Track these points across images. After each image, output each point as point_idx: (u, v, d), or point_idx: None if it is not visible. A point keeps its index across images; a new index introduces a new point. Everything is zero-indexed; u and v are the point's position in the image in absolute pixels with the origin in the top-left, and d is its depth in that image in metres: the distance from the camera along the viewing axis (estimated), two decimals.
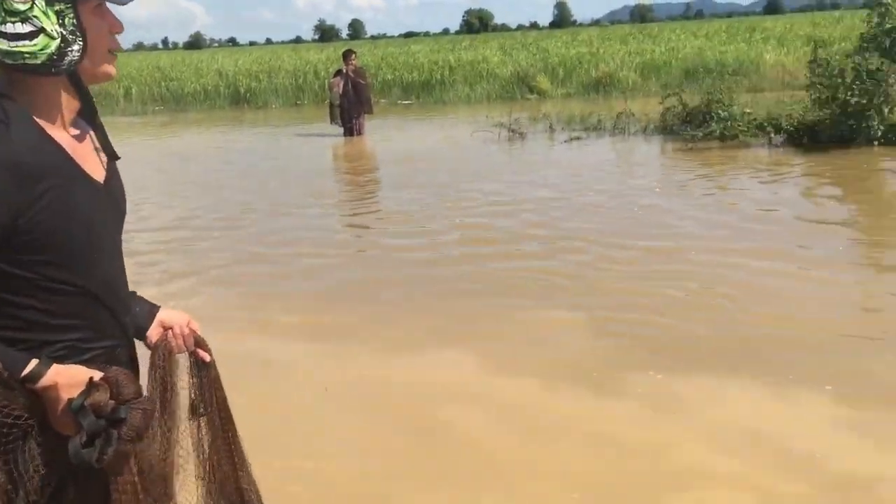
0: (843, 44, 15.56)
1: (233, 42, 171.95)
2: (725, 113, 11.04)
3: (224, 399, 1.80)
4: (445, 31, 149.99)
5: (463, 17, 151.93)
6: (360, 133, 14.03)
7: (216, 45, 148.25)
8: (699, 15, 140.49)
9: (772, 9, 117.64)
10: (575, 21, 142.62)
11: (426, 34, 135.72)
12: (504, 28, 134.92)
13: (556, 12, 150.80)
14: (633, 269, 5.73)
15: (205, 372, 1.77)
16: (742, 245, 6.14)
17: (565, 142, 12.22)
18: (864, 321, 4.53)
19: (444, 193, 8.82)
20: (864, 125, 9.81)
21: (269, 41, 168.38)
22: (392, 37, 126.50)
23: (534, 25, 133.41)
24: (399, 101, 21.23)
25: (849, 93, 9.86)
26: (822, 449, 3.12)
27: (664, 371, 3.92)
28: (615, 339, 4.45)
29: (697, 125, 11.30)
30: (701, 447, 3.22)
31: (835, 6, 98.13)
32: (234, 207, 8.73)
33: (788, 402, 3.55)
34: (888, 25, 10.08)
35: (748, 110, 11.22)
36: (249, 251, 6.88)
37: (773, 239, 6.29)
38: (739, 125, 10.85)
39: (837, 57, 10.69)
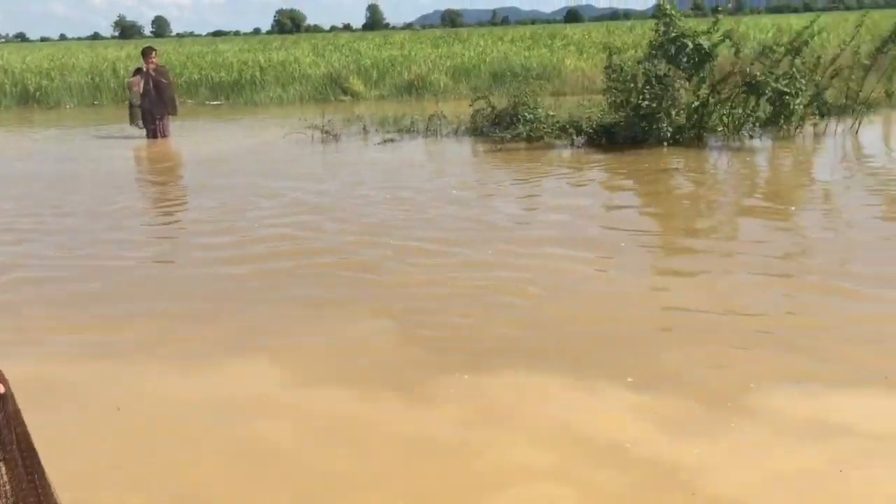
0: (635, 51, 16.63)
1: (21, 38, 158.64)
2: (531, 115, 11.48)
3: (27, 435, 1.57)
4: (256, 31, 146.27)
5: (274, 17, 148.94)
6: (164, 135, 13.31)
7: (2, 40, 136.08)
8: (505, 21, 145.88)
9: (571, 17, 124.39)
10: (387, 24, 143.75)
11: (236, 33, 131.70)
12: (317, 29, 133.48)
13: (368, 15, 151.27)
14: (441, 268, 5.76)
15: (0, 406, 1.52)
16: (545, 242, 6.35)
17: (379, 143, 12.22)
18: (656, 315, 4.77)
19: (250, 197, 8.53)
20: (654, 127, 10.53)
21: (63, 37, 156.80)
22: (199, 35, 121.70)
23: (346, 27, 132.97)
24: (207, 102, 20.39)
25: (640, 97, 10.55)
26: (629, 438, 3.26)
27: (475, 371, 3.95)
28: (425, 341, 4.44)
29: (505, 127, 11.65)
30: (517, 445, 3.27)
31: (627, 16, 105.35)
32: (9, 216, 7.99)
33: (595, 395, 3.69)
34: (672, 34, 10.87)
35: (552, 113, 11.72)
36: (30, 264, 6.30)
37: (574, 236, 6.57)
38: (544, 127, 11.32)
39: (630, 63, 11.42)
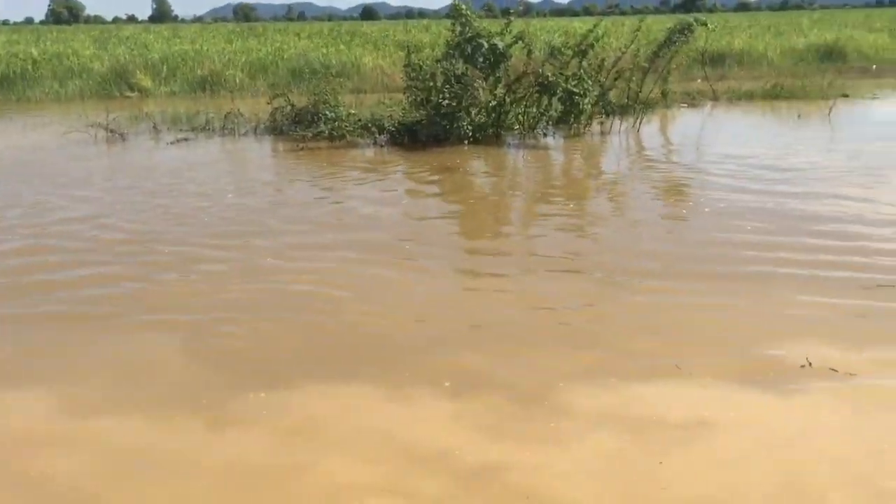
0: (432, 49, 16.86)
1: None
2: (332, 113, 11.30)
3: None
4: (29, 21, 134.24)
5: (49, 5, 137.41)
6: None
7: None
8: (301, 17, 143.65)
9: (367, 15, 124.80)
10: (176, 16, 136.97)
11: (5, 23, 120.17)
12: (98, 20, 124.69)
13: (154, 6, 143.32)
14: (227, 277, 5.46)
15: None
16: (343, 245, 6.20)
17: (171, 143, 11.51)
18: (464, 316, 4.77)
19: (19, 204, 7.73)
20: (455, 125, 10.71)
21: None
22: None
23: (131, 18, 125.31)
24: None
25: (440, 96, 10.68)
26: (454, 444, 3.20)
27: (280, 387, 3.75)
28: (218, 356, 4.17)
29: (307, 125, 11.39)
30: (340, 462, 3.12)
31: (422, 15, 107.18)
32: None
33: (413, 403, 3.61)
34: (469, 34, 11.09)
35: (353, 111, 11.60)
36: None
37: (378, 236, 6.49)
38: (346, 125, 11.18)
39: (428, 62, 11.54)
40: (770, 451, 3.12)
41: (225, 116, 12.53)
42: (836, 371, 3.73)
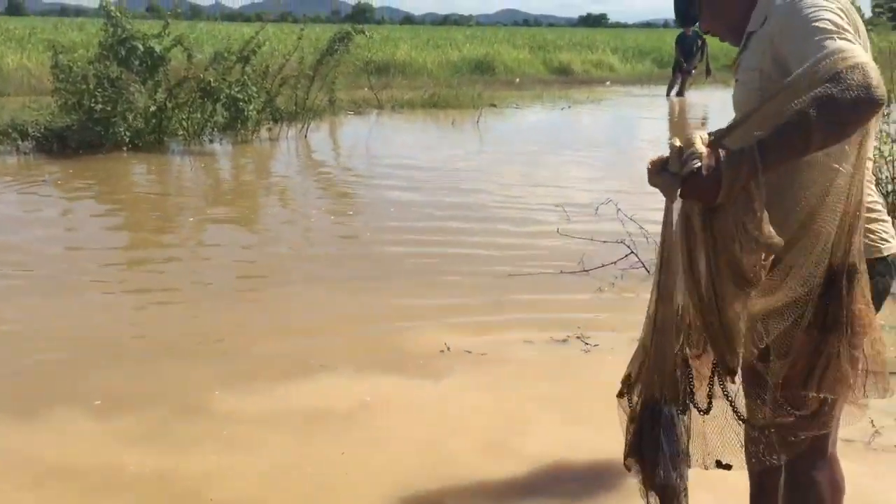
0: (87, 50, 15.62)
1: None
2: None
3: None
4: None
5: None
6: None
7: None
8: None
9: (13, 10, 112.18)
10: None
11: None
12: None
13: None
14: None
15: None
16: None
17: None
18: (124, 330, 4.58)
19: None
20: (111, 131, 10.08)
21: None
22: None
23: None
24: None
25: (93, 99, 10.00)
26: (124, 462, 3.04)
27: None
28: None
29: None
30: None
31: (78, 13, 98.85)
32: None
33: (54, 426, 3.36)
34: (122, 36, 10.50)
35: None
36: None
37: (30, 254, 5.96)
38: None
39: (81, 63, 10.70)
40: (422, 426, 3.41)
41: None
42: (471, 352, 4.17)
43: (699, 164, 1.64)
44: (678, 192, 1.71)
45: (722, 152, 1.64)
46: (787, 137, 1.60)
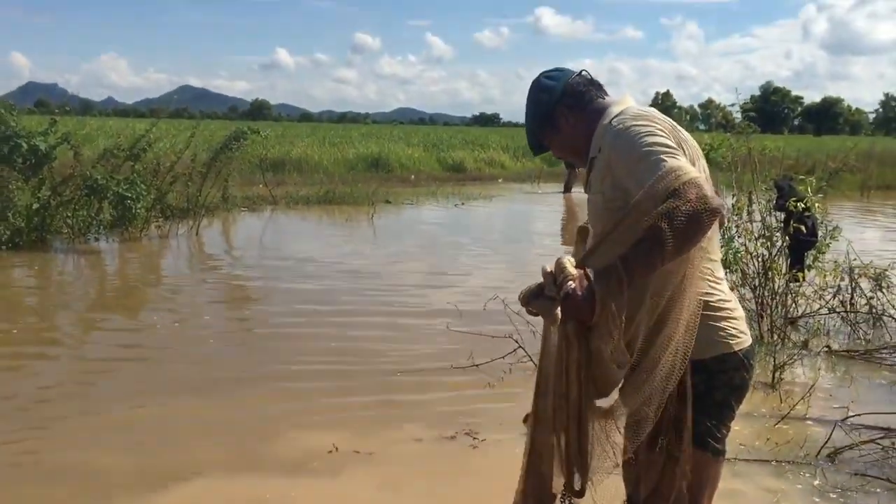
0: None
1: None
2: None
3: None
4: None
5: None
6: None
7: None
8: None
9: None
10: None
11: None
12: None
13: None
14: None
15: None
16: None
17: None
18: None
19: None
20: None
21: None
22: None
23: None
24: None
25: None
26: None
27: None
28: None
29: None
30: None
31: None
32: None
33: None
34: (5, 133, 10.24)
35: None
36: None
37: None
38: None
39: None
40: None
41: None
42: (359, 452, 4.15)
43: (573, 285, 1.79)
44: (558, 314, 1.86)
45: (590, 271, 1.82)
46: (645, 251, 1.79)
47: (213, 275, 9.61)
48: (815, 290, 6.84)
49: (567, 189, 20.85)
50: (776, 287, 6.44)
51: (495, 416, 4.63)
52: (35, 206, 10.39)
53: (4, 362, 5.77)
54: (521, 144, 32.63)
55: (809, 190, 6.44)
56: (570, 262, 1.84)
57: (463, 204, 17.95)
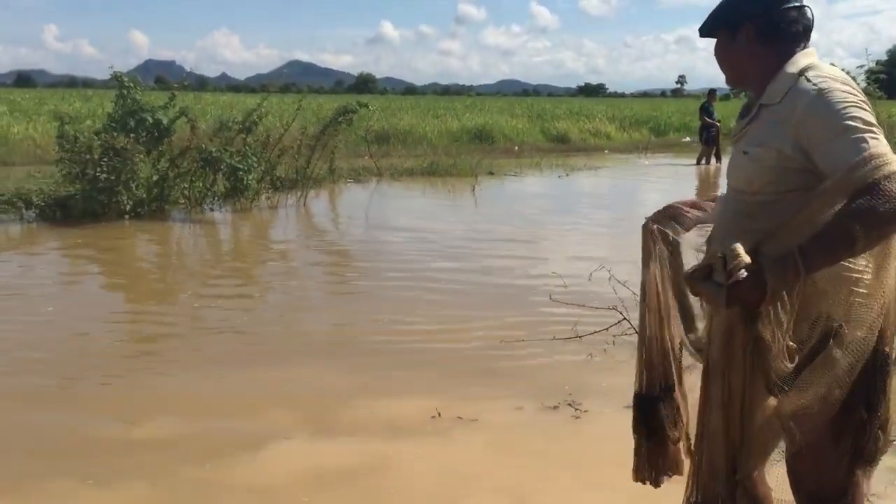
0: (92, 121, 15.97)
1: None
2: None
3: None
4: None
5: None
6: None
7: None
8: None
9: (23, 81, 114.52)
10: None
11: None
12: None
13: None
14: None
15: None
16: None
17: None
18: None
19: None
20: (114, 200, 10.25)
21: None
22: None
23: None
24: None
25: (98, 169, 10.18)
26: None
27: None
28: None
29: None
30: None
31: (87, 85, 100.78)
32: None
33: None
34: (133, 107, 10.77)
35: None
36: None
37: (30, 324, 6.03)
38: None
39: (86, 133, 10.94)
40: (434, 482, 3.49)
41: None
42: (461, 418, 4.19)
43: (745, 273, 1.70)
44: (724, 301, 1.75)
45: (766, 260, 1.70)
46: (830, 246, 1.66)
47: (319, 242, 9.87)
48: None
49: (700, 161, 19.70)
50: None
51: (598, 388, 4.58)
52: (155, 177, 10.89)
53: (134, 316, 6.12)
54: (628, 114, 31.96)
55: None
56: (742, 249, 1.72)
57: (567, 175, 17.72)
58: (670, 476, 2.36)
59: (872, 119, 1.77)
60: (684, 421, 2.30)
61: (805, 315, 1.82)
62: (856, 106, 1.77)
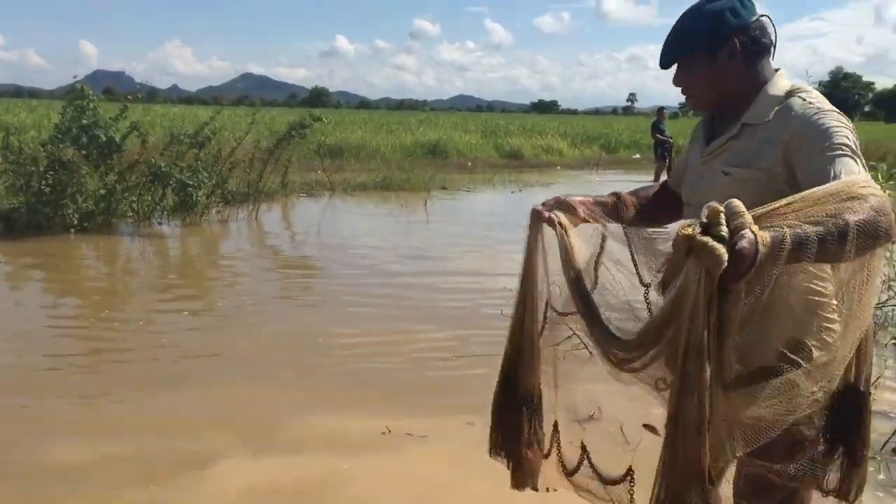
0: (38, 132, 15.60)
1: None
2: None
3: None
4: None
5: None
6: None
7: None
8: None
9: None
10: None
11: None
12: None
13: None
14: None
15: None
16: None
17: None
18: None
19: None
20: (59, 213, 10.03)
21: None
22: None
23: None
24: None
25: (43, 181, 9.96)
26: None
27: None
28: None
29: None
30: None
31: (33, 95, 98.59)
32: None
33: None
34: (86, 122, 10.59)
35: None
36: None
37: None
38: None
39: (31, 145, 10.70)
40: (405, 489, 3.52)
41: None
42: (412, 434, 4.19)
43: (751, 235, 1.43)
44: (722, 258, 1.42)
45: (766, 234, 1.46)
46: (826, 243, 1.51)
47: (269, 256, 9.79)
48: (884, 281, 6.63)
49: (657, 177, 19.96)
50: None
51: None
52: (101, 191, 10.69)
53: (77, 331, 5.99)
54: (580, 131, 32.40)
55: (880, 177, 6.24)
56: (743, 206, 1.46)
57: (520, 190, 17.87)
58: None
59: (859, 150, 1.76)
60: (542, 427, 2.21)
61: (775, 338, 1.78)
62: (849, 130, 1.78)
